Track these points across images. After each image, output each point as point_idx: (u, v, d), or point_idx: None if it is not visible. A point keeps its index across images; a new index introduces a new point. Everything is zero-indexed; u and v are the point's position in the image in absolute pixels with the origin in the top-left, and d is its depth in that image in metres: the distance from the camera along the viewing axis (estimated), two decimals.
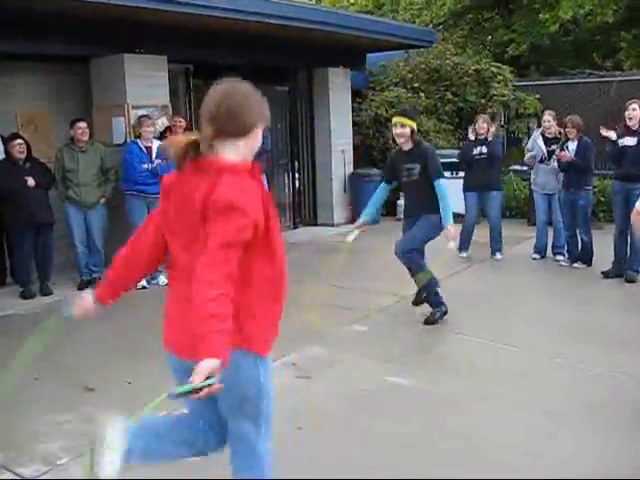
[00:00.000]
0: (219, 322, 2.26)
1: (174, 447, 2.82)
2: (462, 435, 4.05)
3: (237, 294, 2.35)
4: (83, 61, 8.50)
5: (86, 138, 7.64)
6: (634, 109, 7.42)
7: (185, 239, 2.50)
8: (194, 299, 2.30)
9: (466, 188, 9.02)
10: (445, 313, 6.23)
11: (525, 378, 4.90)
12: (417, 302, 6.39)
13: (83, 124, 7.64)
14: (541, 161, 8.51)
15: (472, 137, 9.00)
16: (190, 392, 2.23)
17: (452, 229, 5.76)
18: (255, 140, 2.54)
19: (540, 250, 8.74)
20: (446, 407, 4.47)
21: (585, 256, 8.20)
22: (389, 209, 11.26)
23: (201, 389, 2.23)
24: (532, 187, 9.07)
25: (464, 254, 8.89)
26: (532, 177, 8.95)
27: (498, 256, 8.95)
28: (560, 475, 3.57)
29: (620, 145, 7.48)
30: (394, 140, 6.35)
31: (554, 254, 8.66)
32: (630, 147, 7.41)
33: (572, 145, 7.97)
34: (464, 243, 8.89)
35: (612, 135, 7.56)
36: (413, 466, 3.70)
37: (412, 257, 6.00)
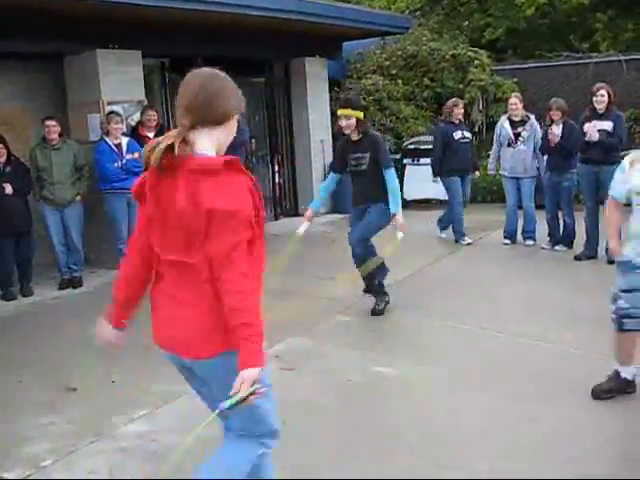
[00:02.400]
0: (247, 328, 2.34)
1: None
2: (449, 423, 4.06)
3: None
4: (57, 58, 8.40)
5: (55, 136, 7.50)
6: (602, 95, 7.38)
7: (169, 239, 2.48)
8: (224, 307, 2.36)
9: (452, 172, 8.91)
10: (388, 302, 6.21)
11: (514, 364, 4.89)
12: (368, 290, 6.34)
13: (51, 122, 7.51)
14: (508, 144, 8.49)
15: (456, 120, 9.03)
16: (239, 402, 2.33)
17: (401, 218, 5.70)
18: (231, 129, 2.54)
19: (510, 235, 8.73)
20: (432, 395, 4.47)
21: (566, 239, 8.21)
22: None
23: (247, 397, 2.33)
24: (500, 171, 8.98)
25: (443, 234, 9.23)
26: (500, 161, 8.86)
27: (468, 240, 8.98)
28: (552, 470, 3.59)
29: (585, 130, 7.46)
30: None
31: (524, 239, 8.65)
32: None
33: (557, 128, 7.90)
34: (455, 226, 9.09)
35: (594, 136, 7.36)
36: (400, 457, 3.70)
37: (366, 246, 5.97)
